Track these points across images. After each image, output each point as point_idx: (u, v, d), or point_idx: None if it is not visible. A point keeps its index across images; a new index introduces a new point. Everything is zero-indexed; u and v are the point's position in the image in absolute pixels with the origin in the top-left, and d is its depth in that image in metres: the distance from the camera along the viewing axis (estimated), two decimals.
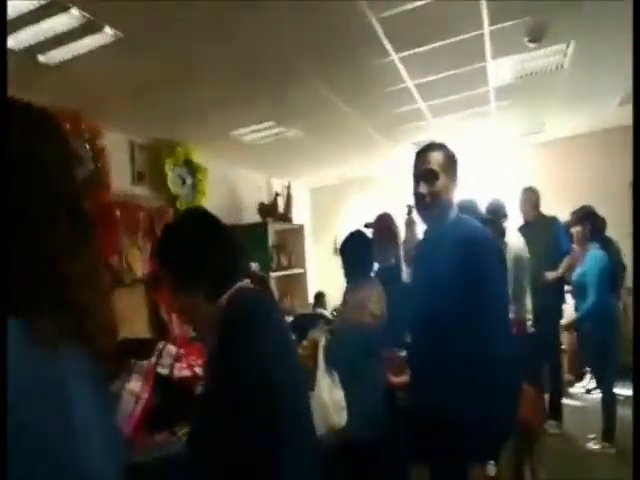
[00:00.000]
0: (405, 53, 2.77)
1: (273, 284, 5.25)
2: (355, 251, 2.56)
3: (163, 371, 3.25)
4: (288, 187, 5.45)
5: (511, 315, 2.78)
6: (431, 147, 1.80)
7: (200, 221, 1.34)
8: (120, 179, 3.51)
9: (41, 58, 2.28)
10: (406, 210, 3.31)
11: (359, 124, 3.97)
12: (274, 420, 1.11)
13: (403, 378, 2.30)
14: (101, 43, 2.22)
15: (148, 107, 3.18)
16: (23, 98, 0.77)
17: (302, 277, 5.56)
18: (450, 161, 1.79)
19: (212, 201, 4.36)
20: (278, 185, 5.62)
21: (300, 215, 6.04)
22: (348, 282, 2.56)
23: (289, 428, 1.15)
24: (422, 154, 1.82)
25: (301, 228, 5.64)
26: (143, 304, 3.68)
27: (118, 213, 3.42)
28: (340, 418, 2.21)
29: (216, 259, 1.28)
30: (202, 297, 1.26)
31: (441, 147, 1.80)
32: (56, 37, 2.14)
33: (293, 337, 2.15)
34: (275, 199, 5.17)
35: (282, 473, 1.11)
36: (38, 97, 2.74)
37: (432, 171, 1.75)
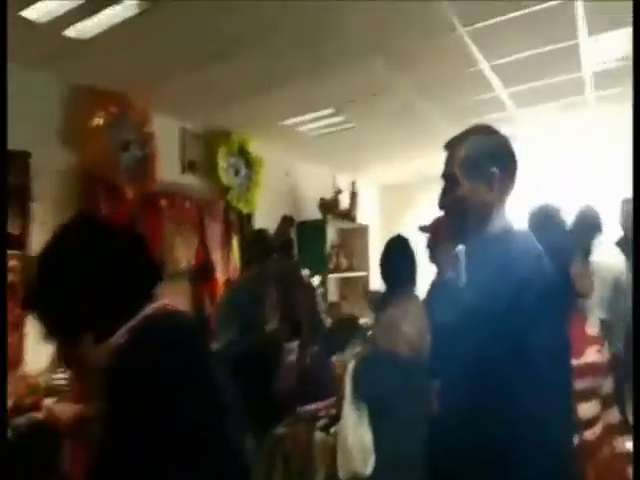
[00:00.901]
0: (475, 26, 2.35)
1: (332, 286, 4.97)
2: (392, 259, 2.17)
3: None
4: (353, 183, 5.14)
5: (600, 355, 2.20)
6: (454, 140, 1.34)
7: (78, 239, 0.98)
8: (169, 168, 3.39)
9: (69, 33, 2.16)
10: None
11: (428, 113, 3.56)
12: None
13: None
14: (130, 14, 2.05)
15: (197, 90, 3.01)
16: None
17: (364, 281, 5.22)
18: (482, 154, 1.30)
19: (268, 194, 4.17)
20: (344, 182, 5.31)
21: (368, 215, 5.68)
22: (382, 296, 2.19)
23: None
24: (446, 150, 1.38)
25: (365, 228, 5.30)
26: (187, 298, 3.54)
27: (164, 203, 3.30)
28: (364, 463, 1.86)
29: (107, 285, 0.94)
30: (90, 339, 0.95)
31: (466, 138, 1.32)
32: (82, 7, 1.99)
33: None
34: (336, 195, 4.88)
35: None
36: (76, 77, 2.74)
37: (448, 175, 1.32)
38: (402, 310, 2.00)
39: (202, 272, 3.57)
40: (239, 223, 3.93)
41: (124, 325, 0.94)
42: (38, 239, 2.61)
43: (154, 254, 1.06)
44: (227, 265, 3.75)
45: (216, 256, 3.66)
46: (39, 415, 2.20)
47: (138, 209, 3.11)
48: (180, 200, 3.41)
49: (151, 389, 0.85)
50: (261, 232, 3.14)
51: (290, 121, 3.63)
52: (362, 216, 5.31)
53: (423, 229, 2.65)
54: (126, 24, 2.10)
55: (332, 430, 2.52)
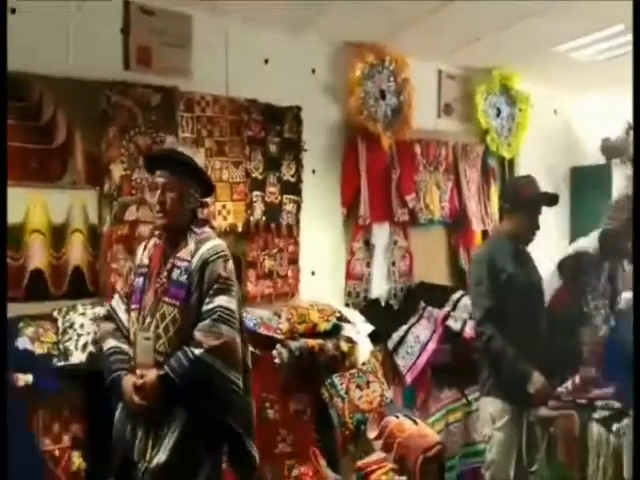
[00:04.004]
0: None
1: None
2: None
3: (454, 325, 2.99)
4: None
5: None
6: None
7: None
8: (425, 113, 3.31)
9: None
10: None
11: None
12: None
13: None
14: None
15: (448, 28, 2.82)
16: None
17: None
18: None
19: (535, 137, 3.71)
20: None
21: None
22: None
23: None
24: None
25: None
26: (441, 247, 3.49)
27: (418, 150, 3.28)
28: None
29: None
30: None
31: None
32: None
33: None
34: (627, 134, 4.00)
35: None
36: (335, 34, 2.87)
37: None
38: None
39: (457, 221, 3.45)
40: (500, 170, 3.64)
41: None
42: (310, 185, 2.94)
43: None
44: (485, 215, 3.54)
45: (473, 205, 3.49)
46: (310, 342, 2.52)
47: (394, 156, 3.17)
48: (435, 146, 3.33)
49: None
50: (521, 179, 2.75)
51: (563, 47, 3.09)
52: None
53: None
54: None
55: (615, 427, 2.15)
